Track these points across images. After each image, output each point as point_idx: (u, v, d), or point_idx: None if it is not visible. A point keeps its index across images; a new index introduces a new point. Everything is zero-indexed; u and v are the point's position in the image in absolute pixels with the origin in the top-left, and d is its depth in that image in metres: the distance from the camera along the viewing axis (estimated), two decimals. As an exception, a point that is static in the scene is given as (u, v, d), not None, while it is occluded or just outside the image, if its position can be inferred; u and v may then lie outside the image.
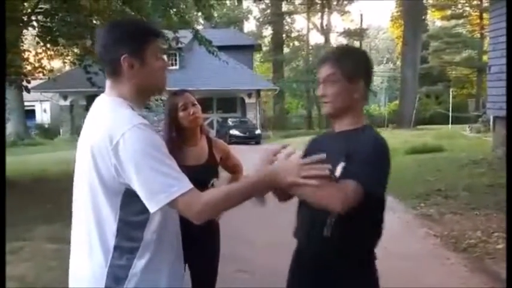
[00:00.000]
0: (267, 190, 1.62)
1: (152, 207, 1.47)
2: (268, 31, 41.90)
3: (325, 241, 1.77)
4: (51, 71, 13.36)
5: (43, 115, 32.44)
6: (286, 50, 39.99)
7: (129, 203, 1.52)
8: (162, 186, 1.45)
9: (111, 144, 1.47)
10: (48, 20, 10.14)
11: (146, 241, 1.56)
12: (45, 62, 12.67)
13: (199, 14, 15.17)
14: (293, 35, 41.33)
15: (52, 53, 12.39)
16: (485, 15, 31.68)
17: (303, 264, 1.89)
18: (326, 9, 38.00)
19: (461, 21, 36.32)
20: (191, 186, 1.49)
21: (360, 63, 1.84)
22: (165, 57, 1.66)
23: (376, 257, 1.86)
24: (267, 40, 41.65)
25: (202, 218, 1.51)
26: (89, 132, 1.57)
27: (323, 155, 1.58)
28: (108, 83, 1.62)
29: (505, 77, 10.28)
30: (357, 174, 1.62)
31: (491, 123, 12.96)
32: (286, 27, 40.67)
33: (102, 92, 1.66)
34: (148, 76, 1.59)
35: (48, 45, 11.32)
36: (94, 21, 9.96)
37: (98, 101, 1.63)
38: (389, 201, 7.55)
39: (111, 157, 1.47)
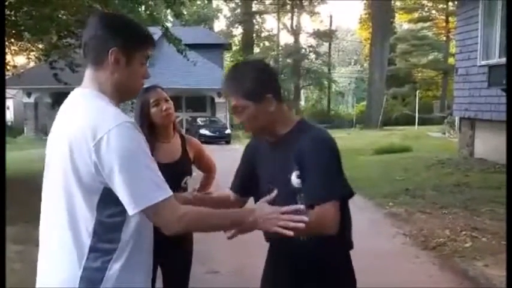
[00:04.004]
0: (244, 227, 1.59)
1: (130, 210, 1.41)
2: (238, 30, 41.88)
3: (301, 245, 1.73)
4: (15, 67, 12.92)
5: (6, 113, 31.47)
6: (256, 49, 40.01)
7: (107, 203, 1.45)
8: (143, 191, 1.40)
9: (93, 140, 1.38)
10: (12, 13, 9.81)
11: (124, 243, 1.48)
12: (8, 57, 12.25)
13: (169, 11, 14.95)
14: (263, 34, 41.39)
15: (16, 48, 12.01)
16: (451, 18, 32.48)
17: (280, 267, 1.86)
18: (296, 10, 38.18)
19: (427, 24, 37.11)
20: (169, 194, 1.44)
21: (259, 79, 1.74)
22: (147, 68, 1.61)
23: (352, 247, 1.86)
24: (237, 39, 41.55)
25: (172, 230, 1.47)
26: (65, 126, 1.47)
27: (274, 193, 1.63)
28: (88, 73, 1.54)
29: (473, 79, 10.55)
30: (323, 190, 1.65)
31: (457, 124, 13.27)
32: (257, 27, 40.70)
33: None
34: (130, 77, 1.54)
35: (12, 40, 10.96)
36: (60, 16, 9.68)
37: (75, 94, 1.54)
38: (359, 200, 7.65)
39: (91, 154, 1.39)
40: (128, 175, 1.39)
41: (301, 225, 1.50)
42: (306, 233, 1.61)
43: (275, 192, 1.60)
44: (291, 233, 1.49)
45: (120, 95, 1.56)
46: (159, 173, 1.46)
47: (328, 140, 1.74)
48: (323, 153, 1.70)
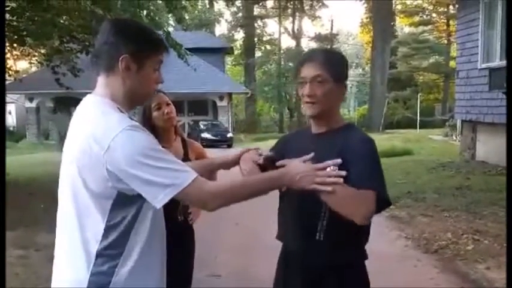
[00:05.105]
0: (278, 187, 1.60)
1: (156, 203, 1.45)
2: (240, 34, 41.91)
3: (317, 245, 1.74)
4: (17, 71, 12.98)
5: (8, 117, 31.52)
6: (257, 53, 40.07)
7: (118, 209, 1.48)
8: (164, 182, 1.43)
9: (102, 149, 1.41)
10: (14, 18, 9.87)
11: (130, 248, 1.50)
12: (10, 62, 12.31)
13: (170, 15, 15.00)
14: (265, 38, 41.39)
15: (18, 53, 12.06)
16: (451, 22, 32.50)
17: (293, 266, 1.85)
18: (297, 14, 38.23)
19: (428, 27, 37.14)
20: (194, 176, 1.46)
21: (343, 65, 1.87)
22: (161, 72, 1.63)
23: (366, 257, 1.88)
24: (238, 43, 41.60)
25: (209, 207, 1.52)
26: (74, 136, 1.51)
27: (311, 154, 1.60)
28: (100, 79, 1.56)
29: (474, 82, 10.56)
30: (367, 180, 1.63)
31: (458, 127, 13.27)
32: (258, 31, 40.73)
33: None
34: (142, 83, 1.56)
35: (15, 45, 11.01)
36: (62, 21, 9.73)
37: (85, 102, 1.57)
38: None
39: (103, 163, 1.42)
40: (144, 173, 1.42)
41: (339, 179, 1.50)
42: (339, 207, 1.59)
43: (312, 154, 1.59)
44: (329, 188, 1.50)
45: (131, 101, 1.59)
46: (176, 160, 1.49)
47: (375, 145, 1.79)
48: (372, 153, 1.74)
